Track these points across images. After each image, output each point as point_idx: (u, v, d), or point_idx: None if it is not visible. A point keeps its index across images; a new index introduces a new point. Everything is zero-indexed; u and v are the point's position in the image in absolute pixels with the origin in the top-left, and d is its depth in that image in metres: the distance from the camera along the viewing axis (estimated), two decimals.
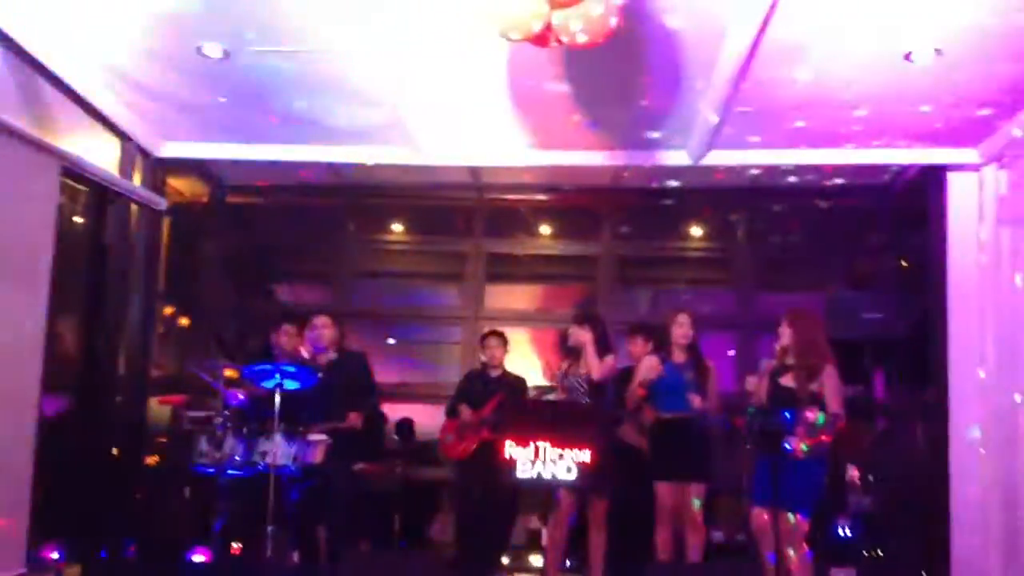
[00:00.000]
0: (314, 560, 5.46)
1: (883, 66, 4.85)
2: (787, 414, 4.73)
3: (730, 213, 7.76)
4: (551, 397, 5.53)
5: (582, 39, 3.44)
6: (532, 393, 6.57)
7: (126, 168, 6.15)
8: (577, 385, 5.50)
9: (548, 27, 3.42)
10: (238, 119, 6.03)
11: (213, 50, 4.88)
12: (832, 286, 7.31)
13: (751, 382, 5.17)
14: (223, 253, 7.83)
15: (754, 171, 6.74)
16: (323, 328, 5.79)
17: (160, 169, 6.59)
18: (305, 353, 6.12)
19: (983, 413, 6.06)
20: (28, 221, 4.99)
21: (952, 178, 6.26)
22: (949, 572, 5.90)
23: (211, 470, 4.96)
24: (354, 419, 5.48)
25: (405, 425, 7.97)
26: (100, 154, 5.93)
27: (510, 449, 4.73)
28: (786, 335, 5.12)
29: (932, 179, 6.38)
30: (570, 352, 5.63)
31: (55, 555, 5.38)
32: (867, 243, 7.68)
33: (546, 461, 4.68)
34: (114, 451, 6.00)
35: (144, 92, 5.57)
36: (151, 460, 6.81)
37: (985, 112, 5.46)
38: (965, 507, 5.98)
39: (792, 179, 6.97)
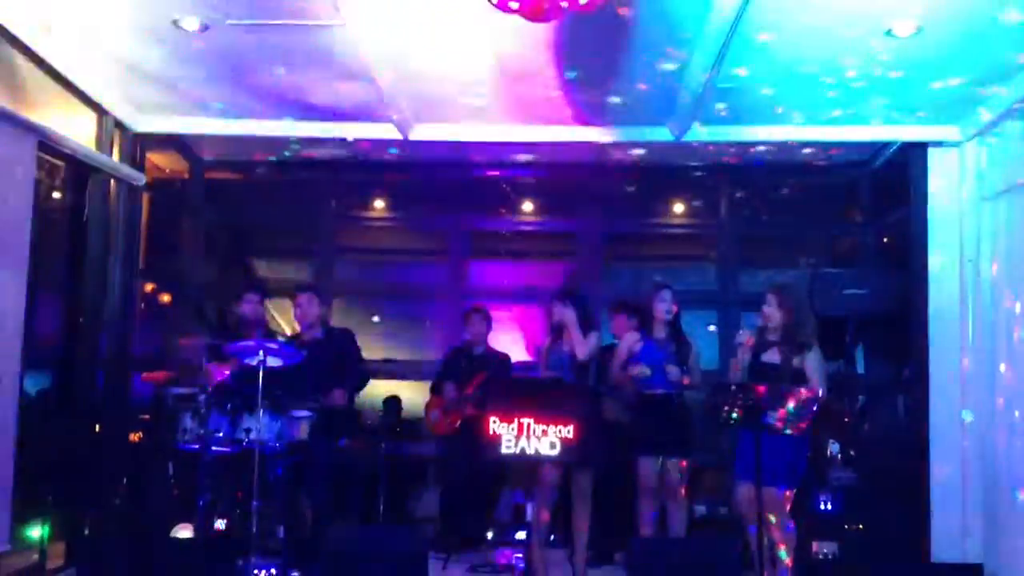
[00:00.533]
0: (299, 535, 5.47)
1: (864, 42, 4.85)
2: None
3: (712, 190, 7.76)
4: (535, 373, 5.54)
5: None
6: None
7: (104, 143, 6.08)
8: (561, 362, 5.51)
9: None
10: (216, 93, 5.96)
11: (190, 23, 4.80)
12: (814, 262, 7.35)
13: (735, 364, 5.18)
14: (204, 229, 7.76)
15: (736, 147, 6.75)
16: (307, 305, 5.77)
17: (139, 144, 6.52)
18: (288, 330, 6.09)
19: (962, 388, 6.13)
20: (5, 197, 4.93)
21: (933, 154, 6.29)
22: (929, 545, 5.99)
23: (195, 447, 4.94)
24: (338, 396, 5.48)
25: (392, 402, 8.01)
26: (77, 129, 5.85)
27: (494, 425, 4.73)
28: (773, 312, 5.14)
29: (913, 155, 6.41)
30: (553, 329, 5.64)
31: (39, 533, 5.36)
32: (849, 219, 7.72)
33: (530, 437, 4.69)
34: (96, 428, 5.96)
35: (120, 65, 5.49)
36: (134, 437, 6.79)
37: (966, 88, 5.48)
38: (945, 481, 6.06)
39: (774, 156, 6.99)
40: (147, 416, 6.93)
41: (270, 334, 5.92)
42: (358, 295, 8.32)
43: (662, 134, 6.40)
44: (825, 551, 5.83)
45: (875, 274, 6.78)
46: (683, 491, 5.50)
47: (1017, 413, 5.66)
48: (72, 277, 5.98)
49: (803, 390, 4.70)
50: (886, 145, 6.67)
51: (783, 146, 6.70)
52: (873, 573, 4.45)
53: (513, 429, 4.72)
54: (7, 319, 4.77)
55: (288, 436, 5.05)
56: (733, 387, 4.75)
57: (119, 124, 6.24)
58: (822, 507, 6.08)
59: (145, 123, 6.41)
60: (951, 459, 6.06)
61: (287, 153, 7.29)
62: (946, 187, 6.26)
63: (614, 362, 5.66)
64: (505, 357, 6.65)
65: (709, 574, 4.38)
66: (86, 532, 5.71)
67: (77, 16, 4.85)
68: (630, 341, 5.63)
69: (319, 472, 5.52)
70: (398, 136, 6.46)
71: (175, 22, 4.79)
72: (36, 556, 5.29)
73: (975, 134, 6.05)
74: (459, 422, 6.43)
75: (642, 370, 5.45)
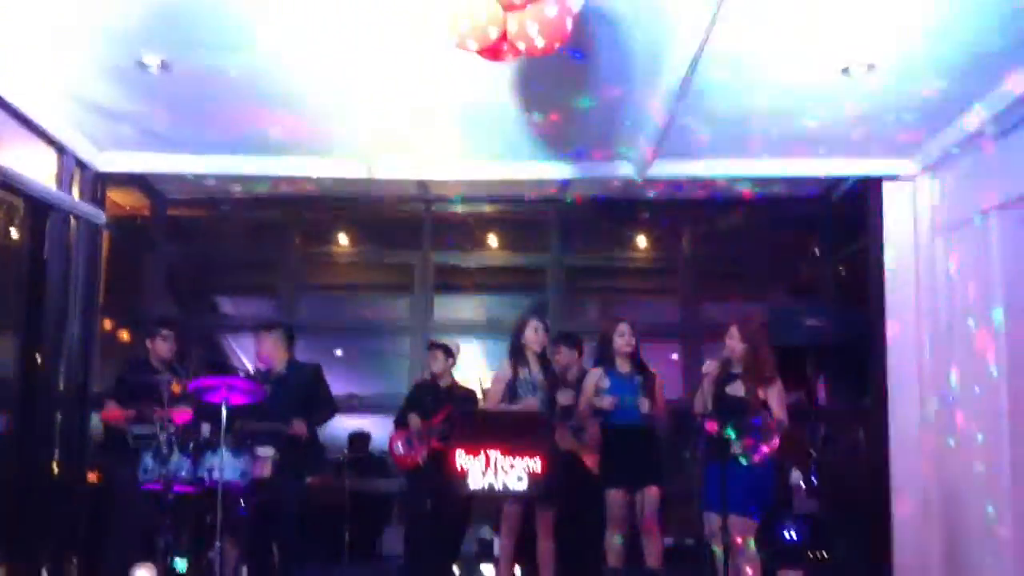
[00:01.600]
0: (264, 575, 5.39)
1: (821, 80, 4.97)
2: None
3: (675, 224, 7.87)
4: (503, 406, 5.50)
5: (540, 44, 3.43)
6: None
7: (64, 181, 6.01)
8: (532, 391, 5.48)
9: (504, 36, 3.44)
10: (178, 131, 5.95)
11: (152, 61, 4.81)
12: (774, 295, 7.46)
13: (699, 399, 5.23)
14: (165, 266, 7.70)
15: (697, 183, 6.85)
16: (272, 346, 5.72)
17: (99, 182, 6.47)
18: (251, 367, 6.03)
19: (920, 417, 6.23)
20: None
21: (888, 188, 6.43)
22: (892, 572, 6.04)
23: (157, 486, 4.87)
24: (298, 427, 5.43)
25: (359, 438, 7.95)
26: (37, 167, 5.80)
27: (461, 459, 4.73)
28: (736, 345, 5.20)
29: (869, 189, 6.55)
30: (516, 356, 5.58)
31: None
32: (808, 252, 7.85)
33: (497, 471, 4.69)
34: (55, 468, 5.85)
35: (81, 103, 5.47)
36: (92, 476, 6.65)
37: (918, 124, 5.63)
38: (906, 508, 6.12)
39: (734, 190, 7.12)
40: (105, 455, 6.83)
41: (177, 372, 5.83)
42: (323, 330, 8.27)
43: (626, 169, 6.49)
44: None
45: (834, 306, 6.89)
46: (656, 522, 5.51)
47: (979, 438, 5.76)
48: (31, 315, 5.89)
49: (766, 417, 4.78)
50: (842, 179, 6.81)
51: (742, 181, 6.83)
52: None
53: (480, 463, 4.71)
54: None
55: (251, 474, 4.99)
56: (697, 420, 4.81)
57: (79, 162, 6.19)
58: (786, 536, 6.13)
59: (106, 162, 6.37)
60: (912, 489, 6.14)
61: (250, 189, 7.27)
62: (901, 220, 6.40)
63: (580, 397, 5.66)
64: (471, 392, 6.63)
65: None
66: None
67: (37, 55, 4.83)
68: (595, 377, 5.65)
69: (284, 510, 5.46)
70: (363, 174, 6.48)
71: (137, 60, 4.79)
72: None
73: (927, 168, 6.20)
74: (424, 455, 6.38)
75: (612, 400, 5.47)
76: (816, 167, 6.43)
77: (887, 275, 6.37)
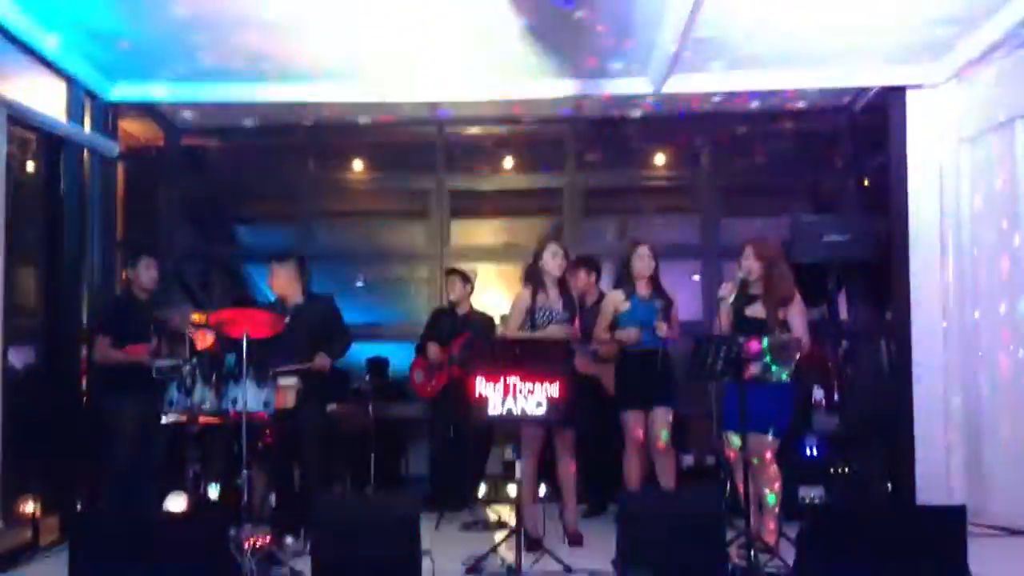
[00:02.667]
0: (291, 502, 5.49)
1: None
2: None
3: (693, 140, 7.72)
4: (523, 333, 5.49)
5: None
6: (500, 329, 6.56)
7: (75, 113, 5.98)
8: (550, 317, 5.46)
9: None
10: (188, 59, 5.87)
11: None
12: (795, 210, 7.35)
13: (718, 322, 5.20)
14: (182, 197, 7.68)
15: (715, 96, 6.70)
16: (275, 276, 5.70)
17: (110, 113, 6.43)
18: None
19: (944, 331, 6.18)
20: None
21: (912, 97, 6.27)
22: (914, 486, 6.08)
23: (183, 418, 4.93)
24: (321, 361, 5.46)
25: (378, 364, 8.02)
26: (47, 100, 5.75)
27: (480, 387, 4.74)
28: (752, 266, 5.14)
29: (892, 99, 6.40)
30: (534, 282, 5.54)
31: (31, 508, 5.37)
32: (830, 166, 7.71)
33: (516, 396, 4.70)
34: (82, 401, 5.95)
35: (88, 33, 5.39)
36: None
37: (943, 29, 5.45)
38: (928, 422, 6.14)
39: (754, 103, 6.96)
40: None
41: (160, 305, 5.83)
42: (340, 258, 8.26)
43: (641, 85, 6.35)
44: (812, 495, 5.91)
45: (856, 219, 6.78)
46: (670, 443, 5.54)
47: (1004, 350, 5.73)
48: (49, 250, 5.92)
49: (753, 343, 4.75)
50: (865, 90, 6.64)
51: (762, 94, 6.67)
52: (858, 517, 4.50)
53: (499, 389, 4.73)
54: None
55: (274, 404, 5.04)
56: (716, 339, 4.78)
57: (89, 93, 6.15)
58: (807, 453, 6.15)
59: (116, 91, 6.31)
60: (935, 403, 6.14)
61: (264, 117, 7.20)
62: (926, 130, 6.26)
63: (599, 321, 5.64)
64: (488, 318, 6.64)
65: (698, 524, 4.42)
66: (79, 506, 5.72)
67: None
68: (615, 300, 5.61)
69: (309, 437, 5.52)
70: (376, 98, 6.38)
71: None
72: (29, 533, 5.30)
73: (953, 75, 6.02)
74: (444, 383, 6.43)
75: (630, 334, 5.44)
76: (838, 77, 6.29)
77: (910, 186, 6.25)
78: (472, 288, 6.58)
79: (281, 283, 5.66)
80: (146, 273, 5.70)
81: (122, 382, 5.45)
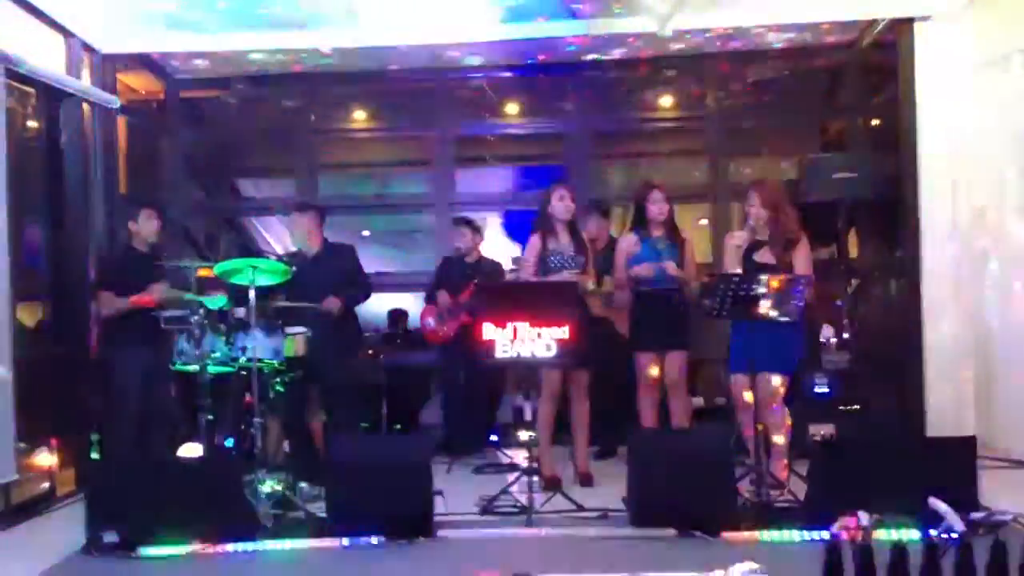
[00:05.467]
0: (304, 448, 5.53)
1: None
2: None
3: (699, 80, 7.61)
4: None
5: None
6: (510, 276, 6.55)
7: (73, 67, 5.92)
8: (562, 262, 5.44)
9: None
10: (183, 8, 5.79)
11: None
12: (803, 148, 7.28)
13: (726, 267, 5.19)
14: (183, 151, 7.63)
15: (720, 34, 6.59)
16: (296, 225, 5.69)
17: (109, 66, 6.36)
18: (280, 249, 6.02)
19: (956, 266, 6.14)
20: None
21: (920, 29, 6.16)
22: (925, 422, 6.09)
23: (193, 368, 4.95)
24: (331, 303, 5.44)
25: (398, 315, 8.05)
26: (45, 54, 5.69)
27: (488, 331, 4.74)
28: (759, 212, 5.10)
29: (901, 32, 6.28)
30: (544, 227, 5.51)
31: (47, 460, 5.42)
32: (838, 103, 7.61)
33: (524, 341, 4.70)
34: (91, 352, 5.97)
35: None
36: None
37: None
38: (939, 357, 6.13)
39: (758, 41, 6.84)
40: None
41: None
42: (345, 210, 8.22)
43: (645, 24, 6.24)
44: (822, 433, 5.92)
45: (865, 158, 6.72)
46: (683, 384, 5.55)
47: (1016, 285, 5.69)
48: (53, 205, 5.90)
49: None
50: (873, 23, 6.52)
51: (767, 30, 6.55)
52: (869, 450, 4.52)
53: (508, 334, 4.72)
54: None
55: (284, 352, 5.05)
56: (721, 279, 4.76)
57: (87, 46, 6.08)
58: (817, 391, 6.15)
59: (113, 43, 6.23)
60: (946, 339, 6.13)
61: (263, 67, 7.11)
62: (935, 63, 6.15)
63: (615, 267, 5.62)
64: (497, 265, 6.63)
65: (708, 461, 4.44)
66: (93, 457, 5.77)
67: None
68: (628, 243, 5.58)
69: (325, 385, 5.54)
70: (374, 42, 6.29)
71: None
72: (46, 484, 5.36)
73: (963, 5, 5.91)
74: (455, 330, 6.45)
75: (646, 269, 5.41)
76: (846, 9, 6.16)
77: (919, 121, 6.17)
78: (482, 238, 6.61)
79: (302, 232, 5.65)
80: (147, 225, 5.68)
81: (129, 333, 5.48)
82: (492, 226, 7.74)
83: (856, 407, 6.07)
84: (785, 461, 5.03)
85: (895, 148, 6.46)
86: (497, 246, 7.58)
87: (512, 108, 7.93)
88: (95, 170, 6.16)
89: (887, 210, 6.59)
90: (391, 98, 7.99)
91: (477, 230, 6.59)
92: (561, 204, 5.43)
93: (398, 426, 6.85)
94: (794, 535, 4.12)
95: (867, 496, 4.05)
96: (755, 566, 3.20)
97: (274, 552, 4.21)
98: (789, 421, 5.12)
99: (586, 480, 5.46)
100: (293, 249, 5.95)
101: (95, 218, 6.15)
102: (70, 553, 4.24)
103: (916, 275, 6.23)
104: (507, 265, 6.80)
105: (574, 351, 4.74)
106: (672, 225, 5.57)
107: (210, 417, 4.94)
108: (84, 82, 6.03)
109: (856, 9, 6.18)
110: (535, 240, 5.48)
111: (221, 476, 4.46)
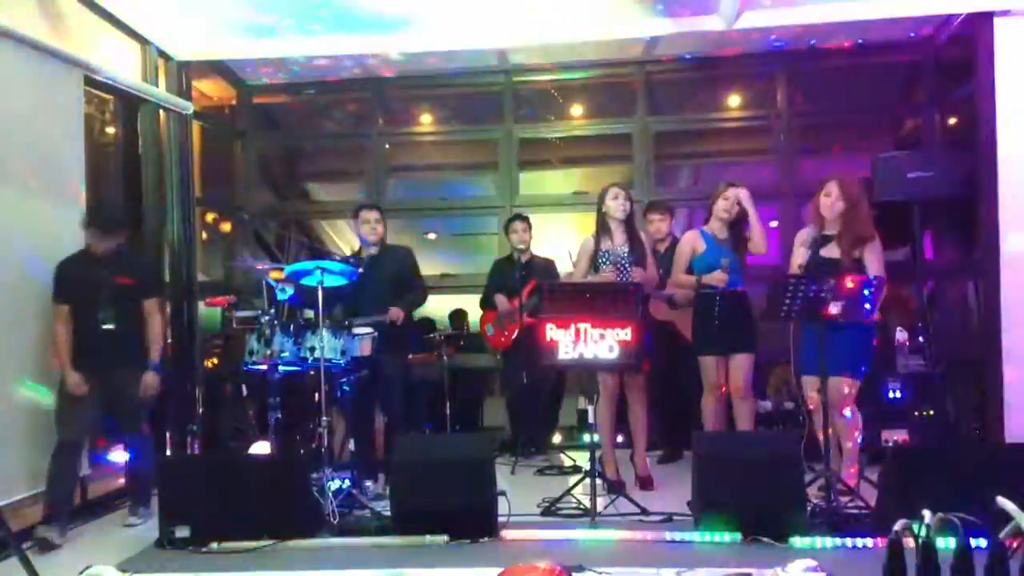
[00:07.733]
0: (369, 447, 5.60)
1: None
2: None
3: (768, 78, 7.48)
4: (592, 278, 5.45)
5: None
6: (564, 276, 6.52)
7: (149, 74, 6.10)
8: (612, 262, 5.40)
9: None
10: (257, 15, 5.91)
11: None
12: (877, 147, 7.10)
13: (793, 262, 5.09)
14: (255, 155, 7.81)
15: (790, 31, 6.47)
16: (375, 223, 5.74)
17: (183, 72, 6.54)
18: (347, 250, 6.08)
19: None
20: (56, 134, 5.00)
21: (1000, 24, 5.95)
22: (1002, 429, 5.88)
23: (263, 367, 5.04)
24: (395, 313, 5.50)
25: (458, 316, 8.11)
26: (122, 62, 5.88)
27: (551, 332, 4.72)
28: (834, 203, 4.98)
29: (979, 28, 6.08)
30: (599, 227, 5.48)
31: (121, 457, 5.58)
32: (913, 100, 7.41)
33: (587, 342, 4.68)
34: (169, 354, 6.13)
35: None
36: (209, 363, 6.98)
37: None
38: (1017, 360, 5.91)
39: (830, 38, 6.70)
40: (219, 342, 7.15)
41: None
42: (410, 213, 8.30)
43: (713, 23, 6.17)
44: (895, 439, 5.77)
45: (941, 156, 6.52)
46: (748, 387, 5.45)
47: None
48: (131, 209, 6.07)
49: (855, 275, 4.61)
50: (950, 19, 6.33)
51: (839, 27, 6.42)
52: (943, 457, 4.38)
53: (571, 335, 4.70)
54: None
55: (351, 353, 5.11)
56: (792, 280, 4.65)
57: (162, 54, 6.26)
58: (891, 395, 6.00)
59: (188, 51, 6.40)
60: (1023, 338, 5.90)
61: (333, 73, 7.24)
62: (1015, 59, 5.94)
63: (675, 266, 5.56)
64: (550, 262, 6.61)
65: (775, 464, 4.34)
66: (168, 454, 5.93)
67: None
68: (691, 239, 5.51)
69: (388, 385, 5.60)
70: (442, 47, 6.34)
71: None
72: (121, 480, 5.52)
73: None
74: (516, 333, 6.44)
75: (722, 277, 5.32)
76: (919, 5, 5.99)
77: (998, 119, 5.97)
78: (531, 234, 6.56)
79: (369, 228, 5.72)
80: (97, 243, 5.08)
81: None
82: (556, 229, 7.70)
83: (931, 412, 5.90)
84: (856, 467, 4.91)
85: (972, 146, 6.26)
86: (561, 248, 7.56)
87: (576, 109, 7.90)
88: (170, 175, 6.33)
89: (963, 209, 6.39)
90: (456, 100, 8.04)
91: (528, 225, 6.57)
92: (615, 203, 5.40)
93: (459, 427, 6.89)
94: (863, 542, 4.03)
95: (939, 505, 3.91)
96: (812, 563, 3.14)
97: (339, 549, 4.27)
98: (861, 426, 4.99)
99: (646, 484, 5.43)
100: (355, 250, 6.02)
101: (171, 221, 6.31)
102: (143, 548, 4.37)
103: (994, 276, 6.03)
104: (559, 264, 6.75)
105: (635, 353, 4.70)
106: (739, 228, 5.47)
107: (279, 416, 5.03)
108: (160, 89, 6.21)
109: (933, 4, 6.00)
110: (589, 240, 5.47)
111: (289, 474, 4.54)
